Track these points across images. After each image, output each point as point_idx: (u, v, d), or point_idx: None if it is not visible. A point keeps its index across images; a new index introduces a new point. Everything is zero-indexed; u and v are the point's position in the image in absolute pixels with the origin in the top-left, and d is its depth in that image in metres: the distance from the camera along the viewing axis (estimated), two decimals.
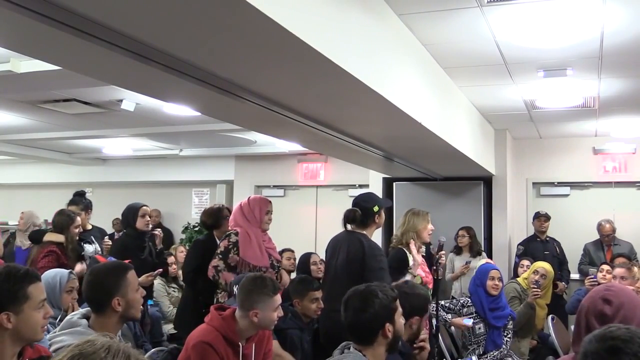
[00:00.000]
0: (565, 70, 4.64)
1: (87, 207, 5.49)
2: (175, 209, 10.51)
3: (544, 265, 5.59)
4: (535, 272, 5.50)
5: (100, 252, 5.08)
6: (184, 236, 9.89)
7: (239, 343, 2.93)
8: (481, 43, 4.07)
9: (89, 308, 2.58)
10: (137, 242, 4.79)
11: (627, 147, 7.50)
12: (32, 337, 2.16)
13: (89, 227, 5.49)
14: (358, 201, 4.15)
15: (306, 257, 5.60)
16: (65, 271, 3.53)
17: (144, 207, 4.88)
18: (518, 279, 5.75)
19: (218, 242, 4.47)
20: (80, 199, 5.50)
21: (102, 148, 9.29)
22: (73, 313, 2.60)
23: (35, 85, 4.95)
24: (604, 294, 2.01)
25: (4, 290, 2.11)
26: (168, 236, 10.01)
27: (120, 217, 5.68)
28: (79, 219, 4.90)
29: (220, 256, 4.13)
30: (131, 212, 4.83)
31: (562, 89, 5.31)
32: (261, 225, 4.29)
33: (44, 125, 7.32)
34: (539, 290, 5.31)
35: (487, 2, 3.37)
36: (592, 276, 5.57)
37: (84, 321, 2.50)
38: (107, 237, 5.69)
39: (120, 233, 5.22)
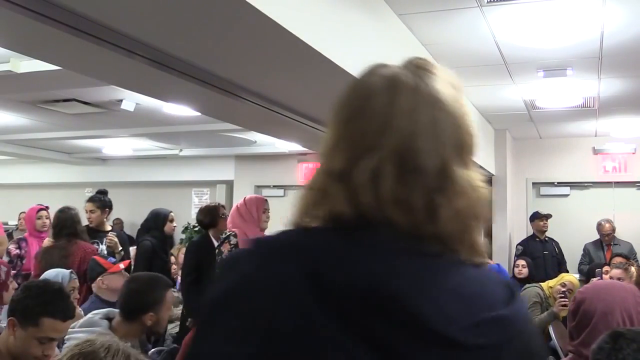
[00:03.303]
0: (565, 70, 4.64)
1: (104, 206, 5.19)
2: (175, 209, 10.39)
3: (572, 280, 5.50)
4: (563, 284, 5.43)
5: (104, 254, 4.97)
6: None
7: None
8: (481, 43, 4.06)
9: (110, 309, 2.57)
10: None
11: (627, 147, 7.50)
12: None
13: (108, 227, 5.22)
14: None
15: None
16: (66, 271, 3.52)
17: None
18: (542, 284, 5.67)
19: (214, 241, 4.43)
20: (98, 197, 5.23)
21: (102, 148, 9.28)
22: (95, 312, 2.60)
23: (35, 85, 4.94)
24: (576, 294, 2.26)
25: (24, 304, 2.10)
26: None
27: (119, 217, 5.45)
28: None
29: None
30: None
31: (562, 89, 5.31)
32: (259, 224, 4.27)
33: (44, 125, 7.31)
34: (568, 301, 5.26)
35: (487, 2, 3.37)
36: (600, 277, 5.54)
37: (105, 322, 2.49)
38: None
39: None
